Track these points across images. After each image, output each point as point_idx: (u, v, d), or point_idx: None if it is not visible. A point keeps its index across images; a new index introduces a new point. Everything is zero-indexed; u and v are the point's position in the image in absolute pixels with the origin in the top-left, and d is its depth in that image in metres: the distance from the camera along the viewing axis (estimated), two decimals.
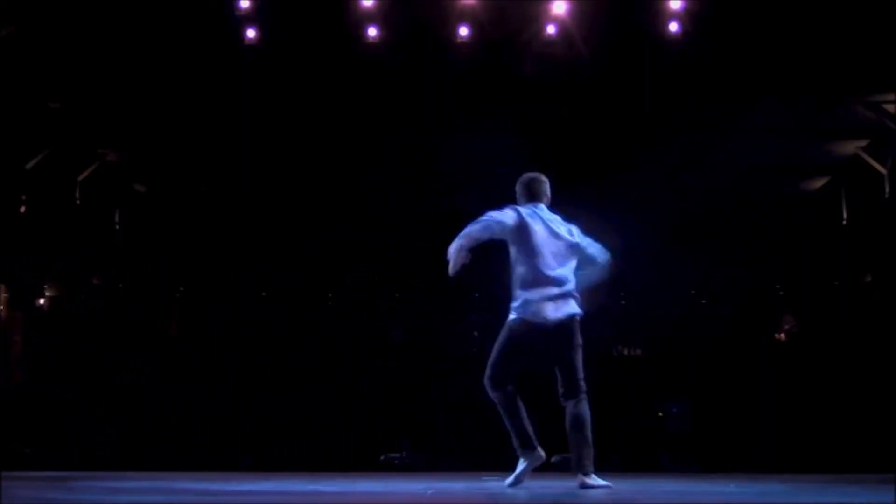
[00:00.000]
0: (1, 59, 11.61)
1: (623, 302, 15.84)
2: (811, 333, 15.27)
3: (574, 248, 7.31)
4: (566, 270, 7.22)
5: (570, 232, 7.35)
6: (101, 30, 11.81)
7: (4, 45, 11.66)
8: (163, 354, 15.33)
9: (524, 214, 7.17)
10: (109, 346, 14.80)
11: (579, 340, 7.18)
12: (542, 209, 7.31)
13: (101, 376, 14.49)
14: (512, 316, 7.16)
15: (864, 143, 14.23)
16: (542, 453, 7.16)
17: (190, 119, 13.70)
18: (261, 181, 15.04)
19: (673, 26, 11.80)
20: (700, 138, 13.48)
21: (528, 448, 7.14)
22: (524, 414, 7.23)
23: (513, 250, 7.20)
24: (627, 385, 14.99)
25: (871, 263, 14.83)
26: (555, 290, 7.11)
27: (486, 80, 12.73)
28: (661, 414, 14.90)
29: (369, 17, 11.91)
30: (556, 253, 7.20)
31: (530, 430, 7.19)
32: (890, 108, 13.05)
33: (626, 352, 15.76)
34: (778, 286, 15.85)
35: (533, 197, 7.33)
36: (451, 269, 7.00)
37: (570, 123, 13.67)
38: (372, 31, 11.96)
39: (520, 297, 7.12)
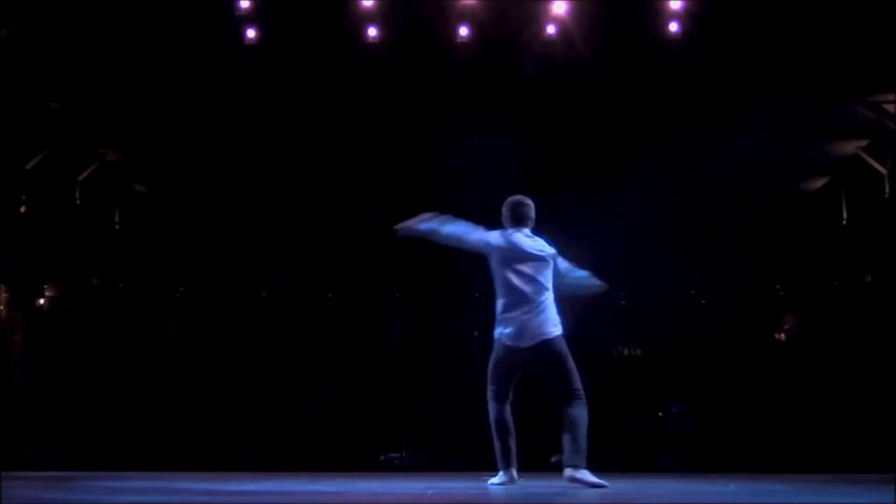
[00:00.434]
0: (1, 59, 11.60)
1: (623, 302, 15.84)
2: (811, 333, 15.27)
3: (551, 268, 7.40)
4: (542, 291, 7.29)
5: (551, 256, 7.57)
6: (101, 30, 11.80)
7: (4, 45, 11.66)
8: (163, 354, 15.33)
9: (507, 238, 7.44)
10: (109, 346, 14.80)
11: (562, 353, 7.33)
12: (525, 233, 7.41)
13: (101, 376, 14.49)
14: (495, 336, 7.46)
15: (864, 143, 14.23)
16: (515, 476, 7.38)
17: (190, 119, 13.69)
18: (261, 181, 15.03)
19: (673, 26, 11.80)
20: (700, 138, 13.48)
21: (508, 466, 7.37)
22: (512, 434, 7.36)
23: (493, 272, 7.36)
24: (627, 385, 14.99)
25: (871, 263, 14.83)
26: (528, 314, 7.35)
27: (486, 80, 12.73)
28: (661, 414, 14.90)
29: (369, 17, 11.91)
30: (532, 276, 7.36)
31: (514, 450, 7.42)
32: (890, 108, 13.05)
33: (626, 352, 15.76)
34: (778, 286, 15.85)
35: (518, 221, 7.48)
36: (406, 227, 7.26)
37: (570, 123, 13.66)
38: (372, 31, 11.96)
39: (498, 318, 7.45)
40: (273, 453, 14.05)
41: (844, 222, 15.15)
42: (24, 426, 13.48)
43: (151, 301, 15.93)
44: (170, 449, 13.66)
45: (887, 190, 13.92)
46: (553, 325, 7.43)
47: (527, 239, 7.54)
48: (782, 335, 15.68)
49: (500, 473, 7.39)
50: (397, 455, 14.26)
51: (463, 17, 11.94)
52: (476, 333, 14.83)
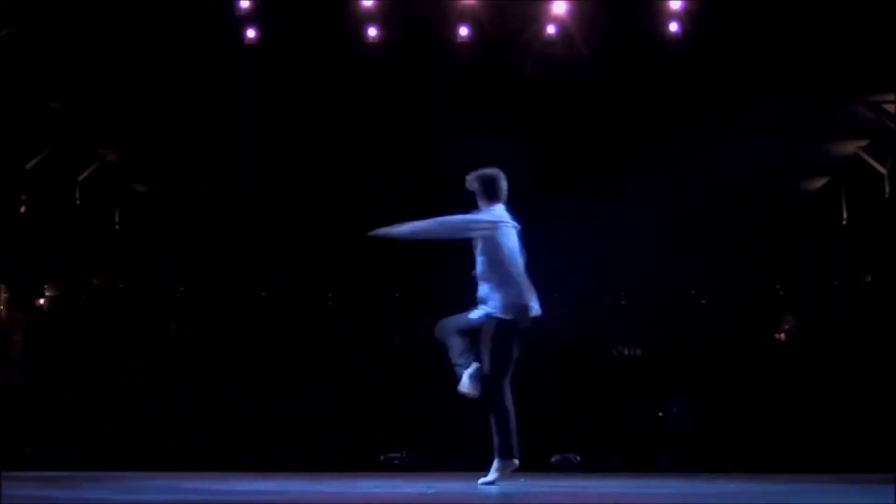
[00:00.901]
0: (1, 59, 11.60)
1: (623, 302, 15.84)
2: (811, 333, 15.27)
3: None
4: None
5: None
6: (101, 30, 11.81)
7: (4, 45, 11.66)
8: (163, 354, 15.32)
9: (501, 213, 7.42)
10: (109, 346, 14.80)
11: (490, 339, 7.16)
12: (503, 210, 7.34)
13: (101, 376, 14.49)
14: (514, 313, 7.42)
15: (864, 143, 14.23)
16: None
17: (190, 119, 13.69)
18: (261, 181, 15.03)
19: (673, 26, 11.81)
20: (700, 138, 13.48)
21: (514, 455, 7.28)
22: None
23: (491, 246, 7.36)
24: (627, 385, 14.99)
25: (871, 263, 14.83)
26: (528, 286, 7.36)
27: (486, 80, 12.73)
28: (661, 414, 14.90)
29: (369, 17, 11.92)
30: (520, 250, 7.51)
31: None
32: (890, 108, 13.04)
33: (626, 352, 15.76)
34: (778, 286, 15.85)
35: (501, 195, 7.42)
36: (383, 232, 7.25)
37: (570, 123, 13.67)
38: (372, 31, 11.97)
39: (515, 291, 7.44)
40: (273, 453, 14.05)
41: (844, 222, 15.15)
42: (24, 426, 13.48)
43: (151, 301, 15.93)
44: (170, 449, 13.66)
45: (887, 190, 13.92)
46: (490, 304, 7.37)
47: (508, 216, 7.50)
48: (782, 335, 15.68)
49: (502, 464, 7.24)
50: (397, 455, 14.26)
51: (463, 17, 11.94)
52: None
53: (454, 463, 12.84)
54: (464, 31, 11.99)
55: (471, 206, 7.69)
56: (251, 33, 12.00)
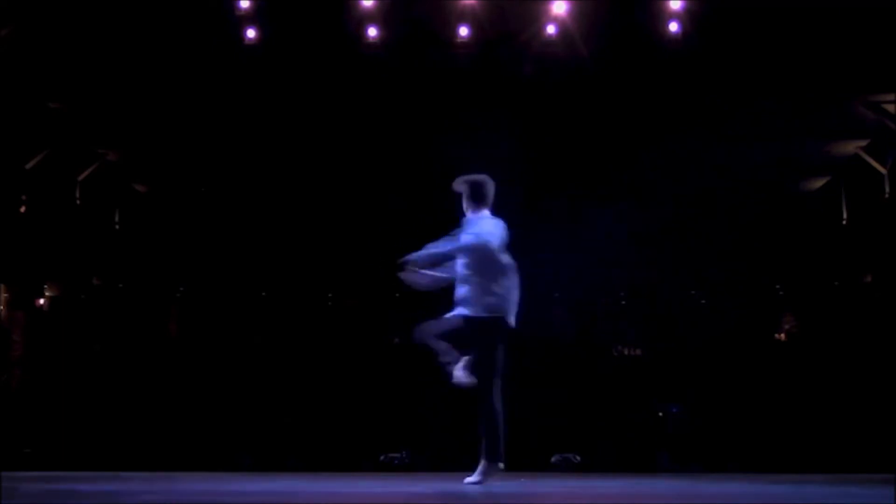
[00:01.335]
0: (1, 59, 11.60)
1: (623, 302, 15.85)
2: (811, 333, 15.28)
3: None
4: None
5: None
6: (101, 30, 11.80)
7: (4, 45, 11.66)
8: (163, 354, 15.34)
9: (496, 223, 7.41)
10: (109, 346, 14.80)
11: (470, 341, 7.22)
12: (489, 218, 7.37)
13: (101, 376, 14.49)
14: (496, 316, 7.39)
15: (864, 143, 14.23)
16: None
17: (190, 119, 13.69)
18: (261, 181, 15.03)
19: (673, 26, 11.80)
20: (700, 138, 13.48)
21: (499, 458, 7.26)
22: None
23: (486, 257, 7.33)
24: (627, 385, 15.00)
25: (871, 263, 14.83)
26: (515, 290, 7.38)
27: (486, 80, 12.73)
28: (661, 414, 14.91)
29: (369, 17, 11.92)
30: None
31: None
32: (890, 108, 13.04)
33: (626, 352, 15.78)
34: (778, 286, 15.86)
35: (489, 201, 7.41)
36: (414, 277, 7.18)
37: (570, 123, 13.67)
38: (372, 31, 11.97)
39: (496, 296, 7.37)
40: (273, 453, 14.07)
41: (844, 222, 15.15)
42: (24, 426, 13.48)
43: (151, 301, 15.93)
44: (170, 449, 13.66)
45: (887, 190, 13.93)
46: (463, 306, 7.39)
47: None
48: (782, 335, 15.69)
49: (488, 466, 7.26)
50: (397, 455, 14.27)
51: (463, 17, 11.94)
52: None
53: (454, 463, 12.85)
54: (464, 31, 11.99)
55: None
56: (251, 33, 12.00)
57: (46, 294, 15.14)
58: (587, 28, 11.94)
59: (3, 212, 13.40)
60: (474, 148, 12.84)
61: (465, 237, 7.29)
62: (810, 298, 15.52)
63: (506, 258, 7.32)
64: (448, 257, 7.38)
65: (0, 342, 14.01)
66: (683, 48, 11.88)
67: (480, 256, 7.24)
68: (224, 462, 13.24)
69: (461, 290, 7.33)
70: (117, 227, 15.79)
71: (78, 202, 14.76)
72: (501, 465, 7.25)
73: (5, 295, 14.24)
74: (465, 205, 7.47)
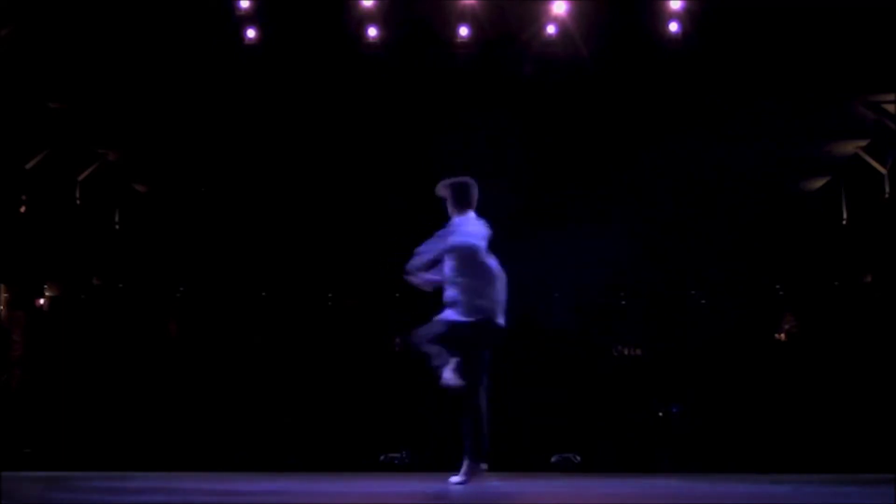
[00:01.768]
0: (1, 59, 11.60)
1: (623, 302, 15.85)
2: (811, 333, 15.27)
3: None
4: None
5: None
6: (101, 30, 11.80)
7: (4, 45, 11.66)
8: (163, 354, 15.33)
9: (480, 225, 7.45)
10: (109, 346, 14.80)
11: (457, 342, 7.25)
12: (475, 220, 7.37)
13: (101, 376, 14.49)
14: (477, 318, 7.43)
15: (864, 143, 14.23)
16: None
17: (190, 119, 13.69)
18: (261, 181, 15.03)
19: (673, 26, 11.80)
20: (700, 138, 13.48)
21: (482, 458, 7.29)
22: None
23: (470, 259, 7.37)
24: (627, 385, 15.01)
25: (871, 263, 14.83)
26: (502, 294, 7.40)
27: (486, 80, 12.73)
28: (661, 414, 14.91)
29: (369, 17, 11.92)
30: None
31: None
32: (890, 108, 13.04)
33: (626, 352, 15.78)
34: (778, 286, 15.86)
35: (474, 203, 7.42)
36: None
37: (570, 123, 13.67)
38: (372, 31, 11.96)
39: (478, 298, 7.41)
40: (273, 453, 14.07)
41: (844, 222, 15.15)
42: (24, 426, 13.47)
43: (151, 301, 15.93)
44: (170, 449, 13.66)
45: (887, 190, 13.92)
46: (453, 311, 7.40)
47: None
48: (782, 335, 15.69)
49: (471, 466, 7.28)
50: (397, 455, 14.27)
51: (463, 17, 11.94)
52: None
53: (454, 463, 12.85)
54: (464, 31, 11.99)
55: None
56: (251, 33, 11.99)
57: (46, 294, 15.14)
58: (587, 28, 11.93)
59: (3, 212, 13.40)
60: (474, 148, 12.85)
61: (452, 238, 7.30)
62: (810, 298, 15.52)
63: (491, 260, 7.34)
64: (438, 260, 7.39)
65: (0, 342, 14.01)
66: (683, 48, 11.87)
67: (466, 259, 7.26)
68: (224, 462, 13.24)
69: (449, 294, 7.36)
70: (117, 227, 15.78)
71: (78, 202, 14.76)
72: (484, 466, 7.27)
73: (5, 295, 14.24)
74: (449, 208, 7.49)
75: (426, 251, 7.36)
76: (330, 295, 16.29)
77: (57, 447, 13.52)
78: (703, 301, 15.86)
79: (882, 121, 13.25)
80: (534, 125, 13.30)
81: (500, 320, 7.33)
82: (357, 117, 13.56)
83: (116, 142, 14.68)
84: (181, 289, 16.23)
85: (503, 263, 7.54)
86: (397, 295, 15.35)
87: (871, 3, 10.96)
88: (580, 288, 15.31)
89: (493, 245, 7.53)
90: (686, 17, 11.76)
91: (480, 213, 7.64)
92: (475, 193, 7.49)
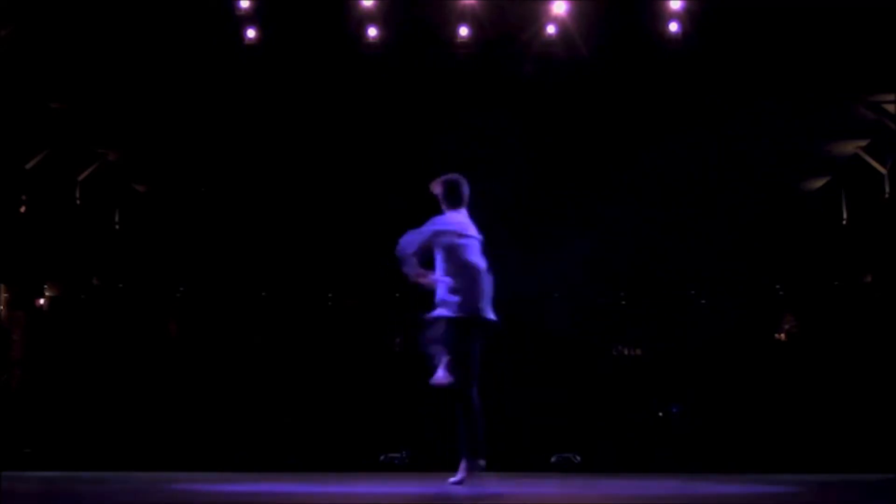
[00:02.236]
0: (1, 59, 11.60)
1: (623, 302, 15.85)
2: (811, 333, 15.28)
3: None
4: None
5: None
6: (101, 30, 11.80)
7: (4, 45, 11.65)
8: (163, 354, 15.34)
9: (457, 219, 7.49)
10: (109, 347, 14.81)
11: (449, 340, 7.24)
12: (465, 217, 7.43)
13: (101, 376, 14.49)
14: (465, 312, 7.42)
15: (864, 143, 14.23)
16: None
17: (190, 119, 13.69)
18: (261, 181, 15.03)
19: (673, 26, 11.80)
20: (700, 138, 13.48)
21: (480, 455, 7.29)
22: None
23: (449, 252, 7.41)
24: (627, 385, 15.01)
25: (871, 263, 14.83)
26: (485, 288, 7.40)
27: (486, 80, 12.73)
28: (661, 414, 14.91)
29: (369, 17, 11.91)
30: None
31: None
32: (890, 108, 13.04)
33: (626, 352, 15.78)
34: (778, 286, 15.86)
35: (456, 201, 7.44)
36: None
37: (570, 123, 13.67)
38: (372, 31, 11.96)
39: (464, 293, 7.43)
40: (273, 453, 14.07)
41: (844, 222, 15.15)
42: (24, 426, 13.48)
43: (151, 301, 15.93)
44: (170, 449, 13.67)
45: (887, 190, 13.92)
46: (442, 307, 7.40)
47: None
48: (782, 335, 15.69)
49: (469, 464, 7.29)
50: (397, 455, 14.27)
51: (463, 17, 11.94)
52: None
53: (454, 463, 12.85)
54: (464, 31, 11.99)
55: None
56: (251, 33, 11.99)
57: (46, 294, 15.15)
58: (587, 28, 11.93)
59: (3, 212, 13.41)
60: (474, 148, 12.84)
61: (434, 225, 7.37)
62: (810, 298, 15.52)
63: (477, 257, 7.37)
64: (424, 248, 7.42)
65: (0, 342, 14.01)
66: (683, 48, 11.87)
67: (451, 254, 7.30)
68: (224, 462, 13.24)
69: (438, 292, 7.39)
70: (117, 227, 15.78)
71: (78, 202, 14.76)
72: (482, 463, 7.27)
73: (5, 295, 14.24)
74: (442, 206, 7.53)
75: (411, 241, 7.39)
76: (330, 295, 16.29)
77: (57, 447, 13.52)
78: (703, 301, 15.86)
79: (882, 121, 13.25)
80: (534, 125, 13.30)
81: (490, 315, 7.36)
82: (357, 117, 13.56)
83: (116, 142, 14.68)
84: (181, 289, 16.23)
85: (503, 263, 7.56)
86: (397, 295, 15.35)
87: (871, 3, 10.97)
88: (580, 288, 15.31)
89: (494, 245, 7.54)
90: (686, 17, 11.75)
91: (481, 212, 7.66)
92: (466, 191, 7.54)
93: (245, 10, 11.84)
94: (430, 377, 7.33)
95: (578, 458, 14.21)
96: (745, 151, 13.98)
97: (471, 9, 11.91)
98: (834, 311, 15.13)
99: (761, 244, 15.39)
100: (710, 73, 12.44)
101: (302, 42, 12.07)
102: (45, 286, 15.13)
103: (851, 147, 14.41)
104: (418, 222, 7.66)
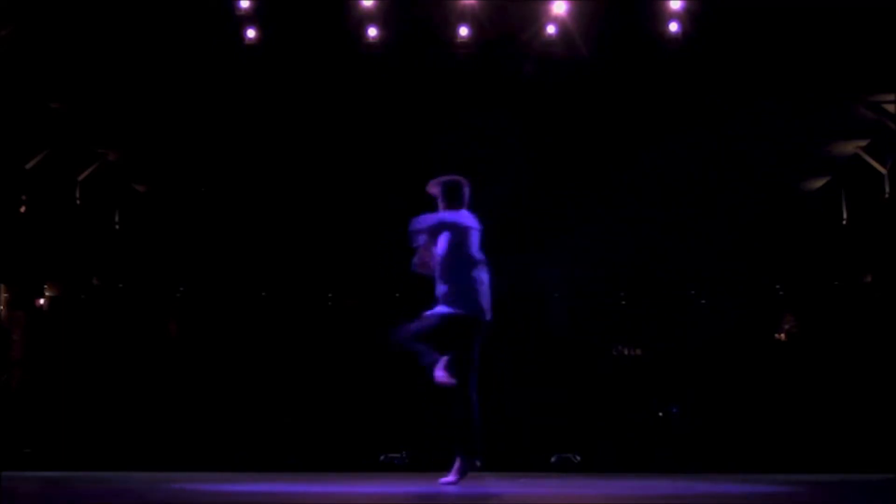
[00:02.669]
0: (1, 59, 11.60)
1: (623, 302, 15.86)
2: (811, 333, 15.28)
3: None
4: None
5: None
6: (101, 30, 11.80)
7: (4, 45, 11.66)
8: (163, 354, 15.34)
9: (465, 217, 7.56)
10: (109, 346, 14.81)
11: (448, 337, 7.29)
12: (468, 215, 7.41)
13: (101, 376, 14.50)
14: (468, 310, 7.51)
15: (864, 143, 14.23)
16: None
17: (189, 119, 13.69)
18: (261, 181, 15.04)
19: (673, 26, 11.80)
20: (700, 138, 13.49)
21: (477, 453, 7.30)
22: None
23: (452, 249, 7.43)
24: (627, 385, 15.01)
25: (871, 263, 14.84)
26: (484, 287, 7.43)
27: (486, 80, 12.73)
28: (661, 414, 14.92)
29: (369, 17, 11.91)
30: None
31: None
32: (890, 108, 13.04)
33: (626, 352, 15.78)
34: (778, 286, 15.86)
35: (457, 202, 7.45)
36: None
37: (570, 123, 13.67)
38: (372, 31, 11.96)
39: (465, 290, 7.51)
40: (272, 453, 14.07)
41: (844, 222, 15.15)
42: (24, 426, 13.48)
43: (151, 301, 15.94)
44: (170, 449, 13.67)
45: (887, 190, 13.93)
46: (446, 305, 7.42)
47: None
48: (782, 335, 15.70)
49: (464, 463, 7.29)
50: (397, 455, 14.27)
51: (463, 17, 11.94)
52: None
53: (454, 463, 12.85)
54: (464, 31, 11.99)
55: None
56: (251, 33, 11.99)
57: (46, 294, 15.15)
58: (587, 28, 11.93)
59: (3, 212, 13.41)
60: (474, 148, 12.84)
61: (441, 215, 7.38)
62: (810, 298, 15.52)
63: (479, 255, 7.38)
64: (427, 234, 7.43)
65: (0, 342, 14.02)
66: (683, 48, 11.87)
67: (456, 250, 7.30)
68: (224, 462, 13.24)
69: (440, 288, 7.39)
70: (117, 227, 15.79)
71: (78, 202, 14.76)
72: (478, 463, 7.28)
73: (5, 295, 14.24)
74: (440, 207, 7.53)
75: (424, 219, 7.41)
76: (330, 295, 16.29)
77: (57, 447, 13.52)
78: (703, 301, 15.86)
79: (882, 121, 13.25)
80: (534, 125, 13.30)
81: (488, 316, 7.38)
82: (357, 117, 13.56)
83: (116, 142, 14.68)
84: (181, 289, 16.23)
85: (503, 263, 7.58)
86: (397, 295, 15.36)
87: (871, 3, 10.96)
88: (580, 288, 15.31)
89: (494, 244, 7.54)
90: (686, 17, 11.75)
91: (481, 213, 7.66)
92: (467, 192, 7.54)
93: (245, 10, 11.83)
94: (427, 377, 7.32)
95: (578, 457, 14.21)
96: (745, 151, 13.98)
97: (471, 9, 11.91)
98: (834, 311, 15.13)
99: (761, 244, 15.39)
100: (709, 74, 12.44)
101: (302, 42, 12.07)
102: (45, 286, 15.13)
103: (851, 147, 14.41)
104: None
